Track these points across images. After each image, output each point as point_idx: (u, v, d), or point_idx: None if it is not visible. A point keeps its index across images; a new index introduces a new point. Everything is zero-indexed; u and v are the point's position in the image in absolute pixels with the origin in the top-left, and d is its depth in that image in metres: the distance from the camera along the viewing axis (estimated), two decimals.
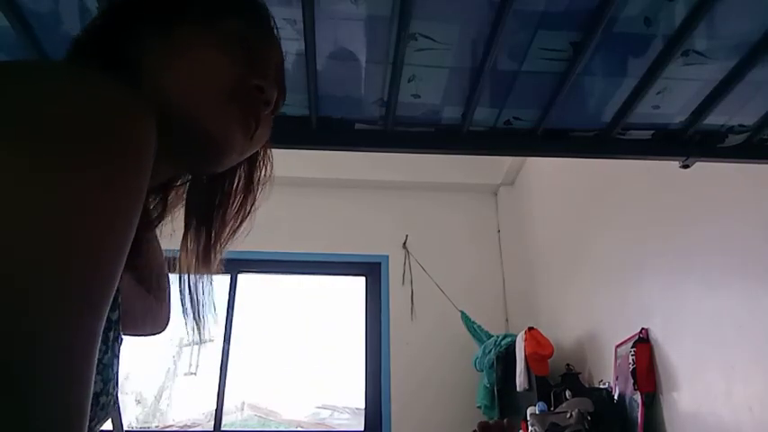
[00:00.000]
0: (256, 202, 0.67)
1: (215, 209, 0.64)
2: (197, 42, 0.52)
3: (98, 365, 0.41)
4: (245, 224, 0.66)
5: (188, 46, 0.52)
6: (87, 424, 0.31)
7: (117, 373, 0.48)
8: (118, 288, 0.42)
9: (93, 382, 0.32)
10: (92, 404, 0.39)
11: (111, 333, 0.45)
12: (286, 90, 0.66)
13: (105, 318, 0.33)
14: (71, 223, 0.31)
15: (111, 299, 0.34)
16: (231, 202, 0.65)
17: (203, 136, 0.51)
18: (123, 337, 0.53)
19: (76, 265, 0.31)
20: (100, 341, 0.37)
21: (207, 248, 0.63)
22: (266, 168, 0.68)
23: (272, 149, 0.71)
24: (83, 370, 0.31)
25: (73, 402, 0.30)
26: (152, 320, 0.76)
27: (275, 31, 0.63)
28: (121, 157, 0.35)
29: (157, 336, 0.80)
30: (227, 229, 0.64)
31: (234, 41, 0.55)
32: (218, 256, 0.64)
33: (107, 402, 0.45)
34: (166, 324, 0.80)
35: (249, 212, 0.66)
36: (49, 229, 0.30)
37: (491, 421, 0.82)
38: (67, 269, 0.30)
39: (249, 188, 0.66)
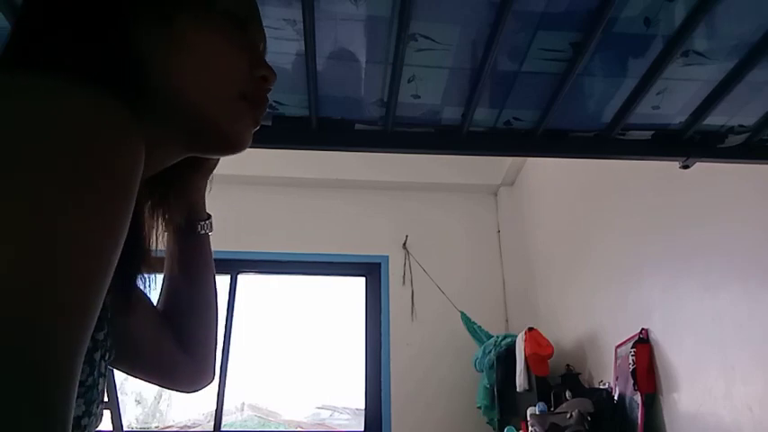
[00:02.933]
0: None
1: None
2: (200, 31, 0.50)
3: (80, 387, 0.40)
4: None
5: (192, 37, 0.50)
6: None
7: (102, 392, 0.47)
8: (105, 305, 0.41)
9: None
10: (73, 427, 0.38)
11: (98, 353, 0.45)
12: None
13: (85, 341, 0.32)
14: (51, 245, 0.30)
15: (92, 319, 0.33)
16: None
17: (219, 136, 0.53)
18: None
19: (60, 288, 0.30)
20: (86, 363, 0.38)
21: None
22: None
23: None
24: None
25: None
26: (179, 377, 0.70)
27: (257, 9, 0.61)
28: (107, 184, 0.34)
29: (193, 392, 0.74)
30: None
31: (234, 25, 0.54)
32: None
33: (89, 423, 0.44)
34: (200, 384, 0.72)
35: None
36: (32, 255, 0.29)
37: None
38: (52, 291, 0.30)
39: None
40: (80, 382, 0.39)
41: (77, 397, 0.38)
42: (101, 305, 0.33)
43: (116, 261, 0.34)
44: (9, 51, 0.44)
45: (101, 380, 0.46)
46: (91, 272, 0.32)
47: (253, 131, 0.57)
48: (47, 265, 0.30)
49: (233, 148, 0.54)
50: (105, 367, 0.48)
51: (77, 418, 0.41)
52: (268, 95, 0.58)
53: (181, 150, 0.54)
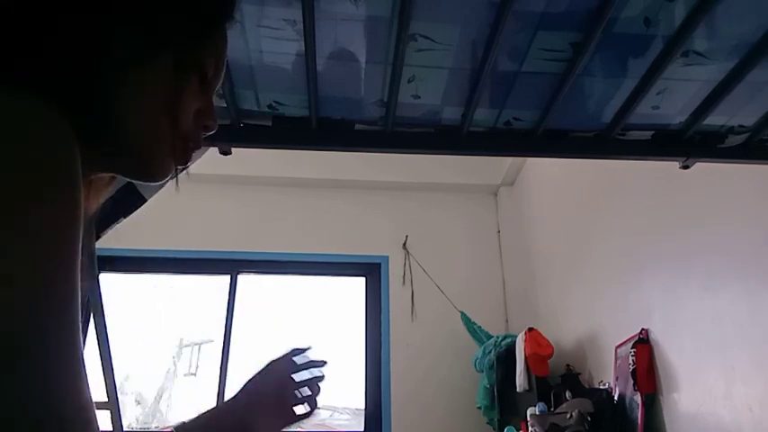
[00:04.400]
0: None
1: None
2: (163, 79, 0.52)
3: None
4: None
5: (156, 81, 0.52)
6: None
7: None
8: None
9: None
10: None
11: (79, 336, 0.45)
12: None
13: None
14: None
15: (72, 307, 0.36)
16: None
17: (146, 166, 0.55)
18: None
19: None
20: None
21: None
22: None
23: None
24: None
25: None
26: None
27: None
28: (55, 188, 0.38)
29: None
30: None
31: (198, 78, 0.57)
32: None
33: None
34: None
35: None
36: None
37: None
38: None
39: None
40: None
41: None
42: (73, 292, 0.37)
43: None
44: None
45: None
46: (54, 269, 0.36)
47: (177, 164, 0.58)
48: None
49: (151, 176, 0.56)
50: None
51: None
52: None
53: (100, 167, 0.54)
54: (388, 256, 4.24)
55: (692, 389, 2.15)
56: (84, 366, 0.37)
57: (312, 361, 0.88)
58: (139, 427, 3.99)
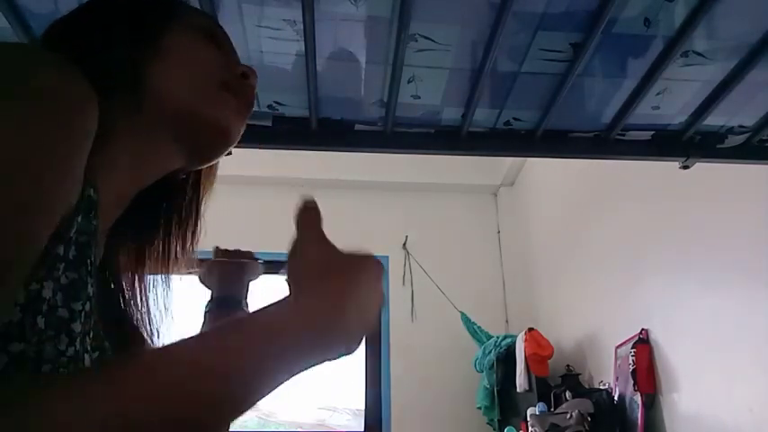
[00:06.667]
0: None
1: (189, 212, 0.71)
2: (181, 42, 0.58)
3: (62, 357, 0.41)
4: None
5: (174, 46, 0.57)
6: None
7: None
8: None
9: None
10: None
11: (77, 324, 0.44)
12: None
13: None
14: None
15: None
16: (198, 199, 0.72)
17: (206, 125, 0.58)
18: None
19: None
20: (64, 334, 0.40)
21: (182, 251, 0.69)
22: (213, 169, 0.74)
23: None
24: None
25: None
26: None
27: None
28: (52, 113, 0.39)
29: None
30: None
31: (211, 35, 0.62)
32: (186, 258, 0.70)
33: None
34: None
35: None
36: None
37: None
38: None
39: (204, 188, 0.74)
40: (60, 351, 0.41)
41: (61, 367, 0.40)
42: (43, 220, 0.37)
43: (60, 192, 0.39)
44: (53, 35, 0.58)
45: (86, 356, 0.45)
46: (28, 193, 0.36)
47: (241, 123, 0.62)
48: None
49: (217, 133, 0.59)
50: (91, 345, 0.48)
51: None
52: (256, 93, 0.64)
53: (173, 150, 0.58)
54: (388, 257, 4.23)
55: (692, 389, 2.15)
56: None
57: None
58: None
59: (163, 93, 0.55)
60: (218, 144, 0.61)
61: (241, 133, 0.63)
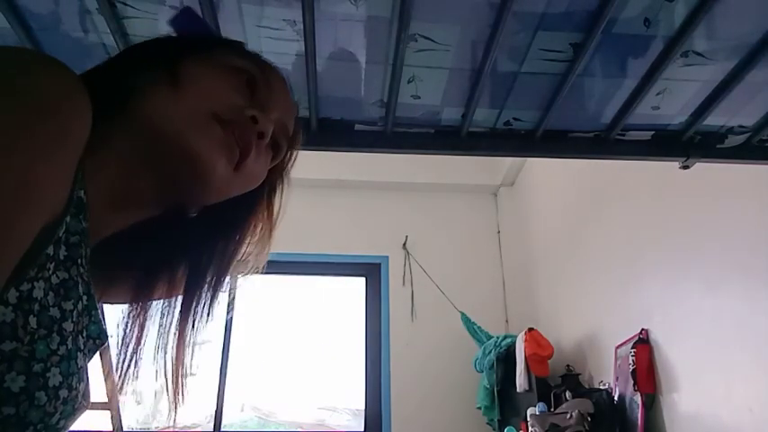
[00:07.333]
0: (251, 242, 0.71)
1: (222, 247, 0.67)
2: (197, 71, 0.56)
3: (53, 356, 0.41)
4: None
5: (189, 76, 0.55)
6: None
7: (83, 368, 0.47)
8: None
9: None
10: (50, 396, 0.41)
11: (69, 324, 0.44)
12: (298, 143, 0.69)
13: None
14: None
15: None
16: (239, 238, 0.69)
17: (178, 150, 0.52)
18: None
19: None
20: (55, 333, 0.41)
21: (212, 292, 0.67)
22: (273, 208, 0.73)
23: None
24: None
25: None
26: None
27: (291, 94, 0.65)
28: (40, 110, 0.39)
29: None
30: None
31: (237, 74, 0.58)
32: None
33: (70, 397, 0.44)
34: None
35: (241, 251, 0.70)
36: None
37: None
38: None
39: (252, 226, 0.72)
40: (52, 350, 0.41)
41: (52, 366, 0.41)
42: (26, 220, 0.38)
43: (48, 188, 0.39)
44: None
45: (79, 355, 0.46)
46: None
47: (225, 160, 0.54)
48: None
49: (188, 161, 0.52)
50: (85, 344, 0.48)
51: (55, 388, 0.42)
52: (259, 140, 0.57)
53: (145, 176, 0.54)
54: (388, 257, 4.24)
55: (692, 389, 2.15)
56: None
57: None
58: (139, 427, 3.99)
59: (152, 113, 0.53)
60: (186, 175, 0.53)
61: (226, 178, 0.55)
